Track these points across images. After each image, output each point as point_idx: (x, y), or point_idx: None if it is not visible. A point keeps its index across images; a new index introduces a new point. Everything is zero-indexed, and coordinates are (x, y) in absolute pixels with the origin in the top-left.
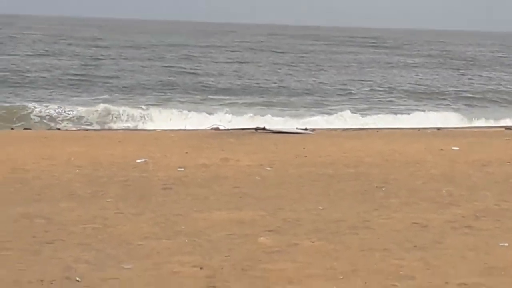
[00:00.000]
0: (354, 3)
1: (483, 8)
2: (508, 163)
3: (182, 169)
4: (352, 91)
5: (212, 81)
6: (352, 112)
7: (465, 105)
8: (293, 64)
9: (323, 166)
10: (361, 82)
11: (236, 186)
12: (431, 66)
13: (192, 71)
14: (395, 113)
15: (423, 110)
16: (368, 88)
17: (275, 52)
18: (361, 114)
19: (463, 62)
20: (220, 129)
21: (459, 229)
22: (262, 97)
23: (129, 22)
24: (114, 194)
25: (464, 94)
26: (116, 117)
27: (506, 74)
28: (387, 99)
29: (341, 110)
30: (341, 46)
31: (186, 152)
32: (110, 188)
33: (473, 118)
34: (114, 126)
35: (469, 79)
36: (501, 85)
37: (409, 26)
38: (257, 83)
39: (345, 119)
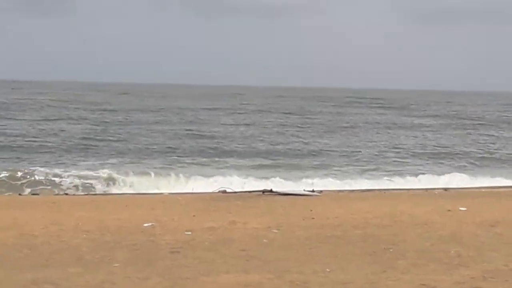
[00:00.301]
0: (360, 65)
1: (486, 68)
2: None
3: (190, 233)
4: (360, 152)
5: (220, 144)
6: (358, 173)
7: (472, 164)
8: (300, 126)
9: (330, 228)
10: (368, 143)
11: (243, 249)
12: (438, 127)
13: (199, 133)
14: (402, 174)
15: (431, 171)
16: (376, 149)
17: (283, 113)
18: (369, 175)
19: (470, 122)
20: (227, 192)
21: None
22: (269, 159)
23: (137, 86)
24: (122, 258)
25: (472, 154)
26: (122, 182)
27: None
28: (394, 160)
29: (348, 171)
30: (348, 108)
31: (194, 215)
32: (118, 252)
33: (481, 178)
34: (120, 190)
35: (476, 139)
36: (509, 144)
37: (416, 87)
38: (264, 145)
39: (352, 180)
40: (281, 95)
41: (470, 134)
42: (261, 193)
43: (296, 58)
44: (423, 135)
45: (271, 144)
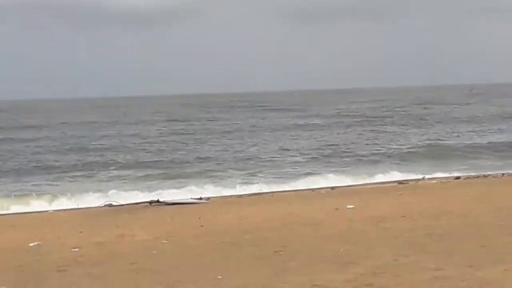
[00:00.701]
0: (240, 68)
1: (358, 65)
2: (403, 218)
3: (77, 249)
4: (247, 157)
5: (103, 157)
6: (246, 178)
7: (359, 161)
8: (185, 133)
9: (220, 235)
10: (254, 146)
11: (133, 262)
12: (325, 126)
13: (83, 146)
14: (290, 175)
15: (318, 170)
16: (263, 152)
17: (168, 121)
18: (257, 178)
19: (353, 119)
20: (113, 205)
21: (359, 287)
22: (155, 168)
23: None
24: (8, 280)
25: (358, 151)
26: (3, 202)
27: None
28: (282, 161)
29: (235, 176)
30: (232, 112)
31: (80, 232)
32: (4, 275)
33: (367, 175)
34: (2, 210)
35: (362, 135)
36: (399, 140)
37: (293, 88)
38: (149, 155)
39: (240, 185)
40: (165, 103)
41: (355, 131)
42: (148, 204)
43: (177, 65)
44: (310, 135)
45: (157, 153)
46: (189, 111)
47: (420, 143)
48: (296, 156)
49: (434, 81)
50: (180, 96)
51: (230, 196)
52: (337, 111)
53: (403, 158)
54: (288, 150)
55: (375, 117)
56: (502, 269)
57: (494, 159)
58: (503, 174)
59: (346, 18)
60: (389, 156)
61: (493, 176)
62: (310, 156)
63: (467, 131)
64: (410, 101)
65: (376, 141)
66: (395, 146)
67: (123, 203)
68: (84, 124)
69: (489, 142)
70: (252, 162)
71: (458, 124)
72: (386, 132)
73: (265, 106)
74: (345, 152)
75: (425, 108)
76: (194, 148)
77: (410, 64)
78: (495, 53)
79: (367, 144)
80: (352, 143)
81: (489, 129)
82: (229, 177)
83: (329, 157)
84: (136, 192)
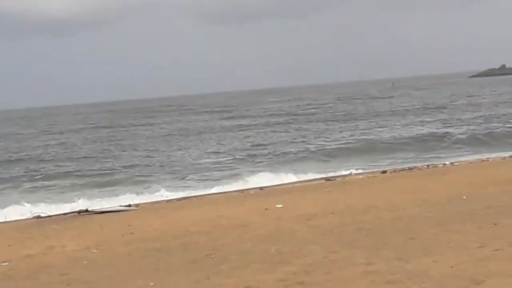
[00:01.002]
0: (168, 73)
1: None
2: (332, 214)
3: (6, 263)
4: (175, 161)
5: (28, 169)
6: (175, 182)
7: (287, 160)
8: (113, 140)
9: (150, 241)
10: (185, 149)
11: (64, 273)
12: (261, 126)
13: (5, 159)
14: (220, 177)
15: (249, 171)
16: (193, 155)
17: (94, 128)
18: (185, 182)
19: (285, 118)
20: (41, 216)
21: (291, 286)
22: (82, 177)
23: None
24: None
25: (287, 150)
26: None
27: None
28: (212, 164)
29: (164, 181)
30: (161, 117)
31: (9, 245)
32: None
33: (294, 173)
34: None
35: (292, 134)
36: (326, 137)
37: (221, 90)
38: (76, 164)
39: (169, 190)
40: (91, 111)
41: (282, 130)
42: (77, 213)
43: (103, 72)
44: (237, 135)
45: (83, 162)
46: (115, 118)
47: (345, 138)
48: (224, 157)
49: (357, 76)
50: (107, 103)
51: (159, 202)
52: (263, 110)
53: (330, 154)
54: (216, 152)
55: (301, 115)
56: (430, 260)
57: (420, 151)
58: (428, 166)
59: (269, 17)
60: (315, 153)
61: (419, 169)
62: (238, 157)
63: (392, 124)
64: (335, 98)
65: (304, 139)
66: (321, 143)
67: (51, 214)
68: (8, 136)
69: (416, 134)
70: (179, 166)
71: (382, 117)
72: (312, 129)
73: (192, 109)
74: (272, 151)
75: (349, 103)
76: (120, 155)
77: (334, 61)
78: (415, 47)
79: (294, 142)
80: (280, 141)
81: (413, 122)
82: (157, 182)
83: (256, 157)
84: (64, 202)
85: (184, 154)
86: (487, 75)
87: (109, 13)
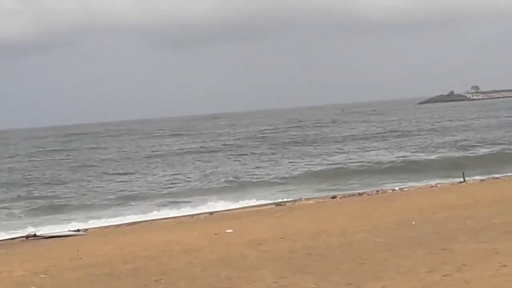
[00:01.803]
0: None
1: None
2: (282, 239)
3: None
4: (124, 187)
5: None
6: (123, 206)
7: (239, 185)
8: (63, 164)
9: (99, 266)
10: (131, 174)
11: None
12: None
13: None
14: (168, 203)
15: (198, 196)
16: (142, 181)
17: (48, 151)
18: (132, 207)
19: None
20: None
21: None
22: (31, 201)
23: None
24: None
25: (240, 176)
26: None
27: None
28: (161, 188)
29: (109, 206)
30: (117, 141)
31: None
32: None
33: (241, 199)
34: None
35: (227, 161)
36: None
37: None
38: (25, 189)
39: (117, 216)
40: (40, 135)
41: (233, 157)
42: (25, 238)
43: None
44: (197, 159)
45: (32, 187)
46: (66, 141)
47: (297, 164)
48: (175, 182)
49: (307, 102)
50: (54, 128)
51: (108, 227)
52: (215, 135)
53: (281, 181)
54: (167, 177)
55: (249, 143)
56: (380, 286)
57: (377, 177)
58: (377, 191)
59: (222, 41)
60: (266, 179)
61: (368, 194)
62: (189, 181)
63: (351, 149)
64: (286, 122)
65: (257, 165)
66: (273, 171)
67: None
68: None
69: (377, 161)
70: (128, 191)
71: (332, 144)
72: (264, 155)
73: (144, 134)
74: (222, 177)
75: (301, 129)
76: (69, 180)
77: (284, 86)
78: (364, 74)
79: (246, 168)
80: (228, 167)
81: (367, 146)
82: (106, 207)
83: (208, 182)
84: (11, 227)
85: (133, 179)
86: (436, 101)
87: (61, 37)
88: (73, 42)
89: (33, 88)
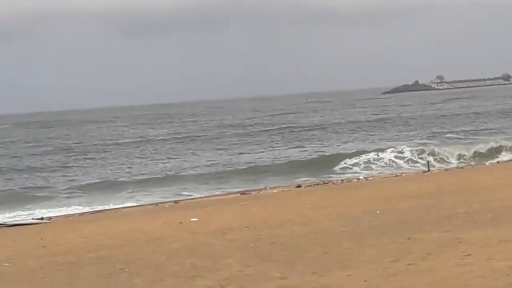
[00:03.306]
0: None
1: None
2: (247, 228)
3: None
4: (91, 174)
5: None
6: (88, 195)
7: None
8: (26, 152)
9: (63, 254)
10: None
11: None
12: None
13: None
14: (132, 190)
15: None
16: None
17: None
18: (97, 196)
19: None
20: None
21: None
22: None
23: None
24: None
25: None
26: None
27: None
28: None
29: (76, 195)
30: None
31: None
32: None
33: (209, 188)
34: None
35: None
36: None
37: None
38: None
39: (80, 204)
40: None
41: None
42: None
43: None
44: (168, 147)
45: None
46: (26, 130)
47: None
48: (144, 170)
49: (269, 91)
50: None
51: (72, 215)
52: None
53: (247, 171)
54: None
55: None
56: (345, 274)
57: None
58: (342, 180)
59: (181, 29)
60: (232, 168)
61: (333, 183)
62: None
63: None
64: (250, 111)
65: (223, 153)
66: (237, 159)
67: None
68: None
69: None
70: (95, 179)
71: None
72: (231, 143)
73: (102, 120)
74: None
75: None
76: (33, 168)
77: (246, 75)
78: (327, 63)
79: (211, 156)
80: (195, 157)
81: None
82: (68, 195)
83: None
84: None
85: (101, 166)
86: (401, 91)
87: (21, 25)
88: (31, 30)
89: None
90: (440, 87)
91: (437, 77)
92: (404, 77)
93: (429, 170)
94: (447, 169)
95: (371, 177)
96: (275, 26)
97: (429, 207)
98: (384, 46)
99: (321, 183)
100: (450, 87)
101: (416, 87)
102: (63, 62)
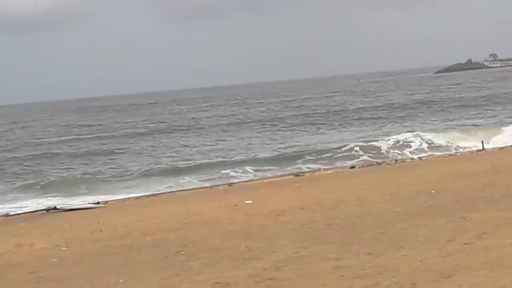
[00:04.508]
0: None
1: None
2: (301, 210)
3: None
4: (144, 159)
5: None
6: (142, 179)
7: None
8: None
9: (120, 238)
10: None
11: (32, 271)
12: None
13: None
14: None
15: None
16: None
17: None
18: (152, 180)
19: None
20: (10, 214)
21: (262, 282)
22: (49, 176)
23: None
24: None
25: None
26: None
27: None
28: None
29: (130, 178)
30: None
31: None
32: None
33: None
34: None
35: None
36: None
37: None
38: (42, 162)
39: (137, 186)
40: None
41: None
42: (45, 211)
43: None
44: (225, 131)
45: (51, 161)
46: (86, 116)
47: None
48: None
49: (321, 72)
50: (79, 100)
51: (128, 199)
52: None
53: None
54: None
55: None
56: (400, 255)
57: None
58: (396, 161)
59: (229, 14)
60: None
61: (387, 163)
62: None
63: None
64: (313, 94)
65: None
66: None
67: (19, 212)
68: None
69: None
70: (149, 164)
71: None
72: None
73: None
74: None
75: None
76: (89, 154)
77: (301, 56)
78: (381, 43)
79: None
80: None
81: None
82: (120, 179)
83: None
84: (32, 200)
85: (153, 152)
86: (453, 70)
87: (76, 13)
88: (85, 16)
89: (41, 63)
90: (493, 65)
91: (491, 55)
92: (457, 56)
93: (483, 149)
94: (501, 148)
95: (425, 157)
96: (331, 7)
97: (484, 186)
98: (439, 26)
99: (375, 163)
100: (504, 65)
101: (469, 65)
102: (122, 49)
